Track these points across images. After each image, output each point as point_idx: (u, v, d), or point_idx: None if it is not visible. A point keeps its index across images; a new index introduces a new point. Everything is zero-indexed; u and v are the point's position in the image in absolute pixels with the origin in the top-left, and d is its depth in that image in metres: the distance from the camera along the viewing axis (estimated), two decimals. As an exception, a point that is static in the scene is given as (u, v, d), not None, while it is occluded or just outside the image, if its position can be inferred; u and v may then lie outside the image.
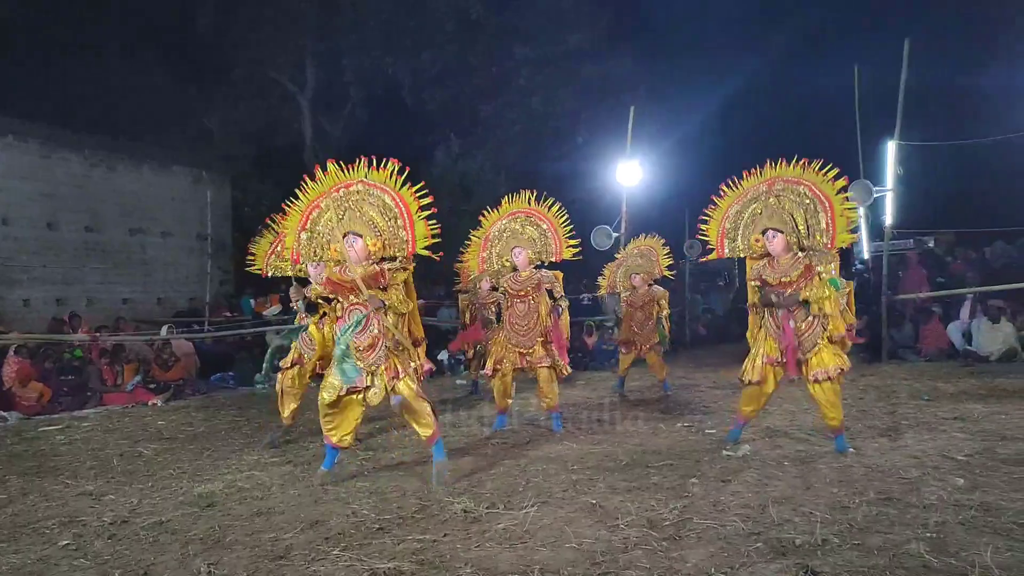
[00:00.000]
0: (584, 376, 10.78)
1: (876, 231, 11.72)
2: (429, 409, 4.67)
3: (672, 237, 9.86)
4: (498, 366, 6.41)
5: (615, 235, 12.73)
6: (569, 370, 6.59)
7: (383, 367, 4.55)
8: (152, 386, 9.78)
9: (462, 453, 5.52)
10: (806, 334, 5.02)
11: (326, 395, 4.58)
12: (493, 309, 8.37)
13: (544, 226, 6.47)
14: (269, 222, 6.20)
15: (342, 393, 4.56)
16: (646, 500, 4.07)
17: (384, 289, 4.59)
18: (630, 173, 13.33)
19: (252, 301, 13.92)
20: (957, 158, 14.40)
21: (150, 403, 9.20)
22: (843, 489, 4.13)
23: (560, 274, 6.56)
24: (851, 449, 5.08)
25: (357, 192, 4.67)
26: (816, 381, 5.00)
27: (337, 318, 4.71)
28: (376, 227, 4.60)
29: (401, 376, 4.58)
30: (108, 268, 13.68)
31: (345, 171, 4.70)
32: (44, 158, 12.68)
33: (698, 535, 3.50)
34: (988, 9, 17.41)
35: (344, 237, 4.57)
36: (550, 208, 6.51)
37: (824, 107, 17.36)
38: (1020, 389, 7.74)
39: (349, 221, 4.61)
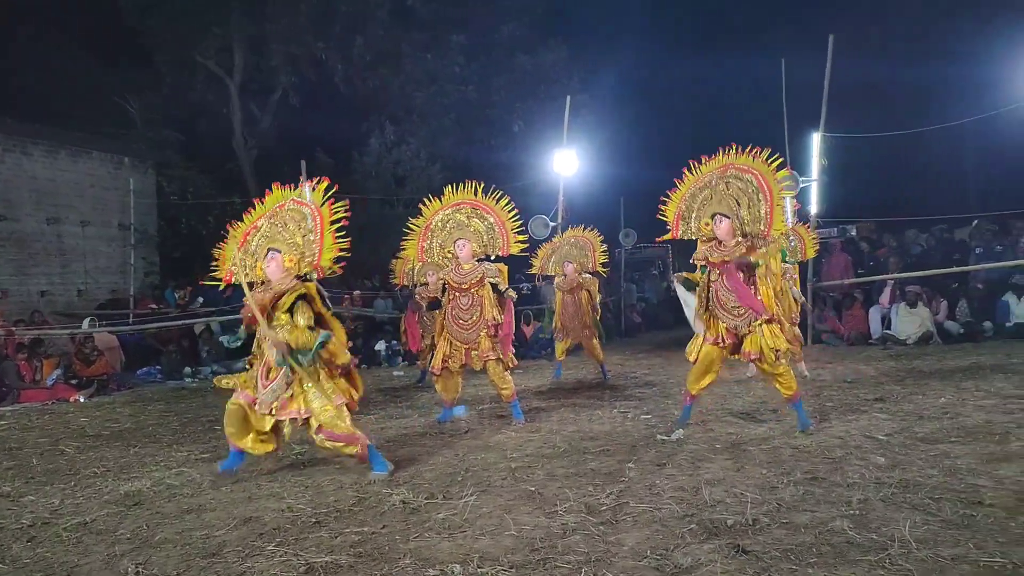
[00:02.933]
0: (521, 365, 10.81)
1: (801, 220, 12.13)
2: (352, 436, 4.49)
3: (607, 226, 10.00)
4: (446, 363, 6.26)
5: (552, 224, 12.80)
6: (515, 362, 6.51)
7: (282, 401, 4.42)
8: (74, 382, 9.39)
9: (400, 444, 5.49)
10: (743, 316, 5.19)
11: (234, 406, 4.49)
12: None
13: (491, 219, 6.33)
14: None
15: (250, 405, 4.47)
16: (584, 486, 4.12)
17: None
18: (567, 162, 13.40)
19: (176, 294, 13.47)
20: (878, 150, 15.00)
21: (72, 399, 8.83)
22: (772, 470, 4.27)
23: (505, 267, 6.43)
24: (811, 425, 5.31)
25: (287, 210, 4.65)
26: (754, 360, 5.22)
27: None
28: (295, 243, 4.55)
29: (303, 416, 4.40)
30: (23, 259, 13.02)
31: (287, 190, 4.73)
32: (-48, 143, 11.98)
33: (634, 518, 3.56)
34: (909, 7, 18.15)
35: (267, 254, 4.54)
36: (497, 201, 6.39)
37: (752, 99, 17.85)
38: (936, 371, 8.14)
39: (272, 238, 4.57)
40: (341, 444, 4.47)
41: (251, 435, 4.56)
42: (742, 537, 3.23)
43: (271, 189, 4.78)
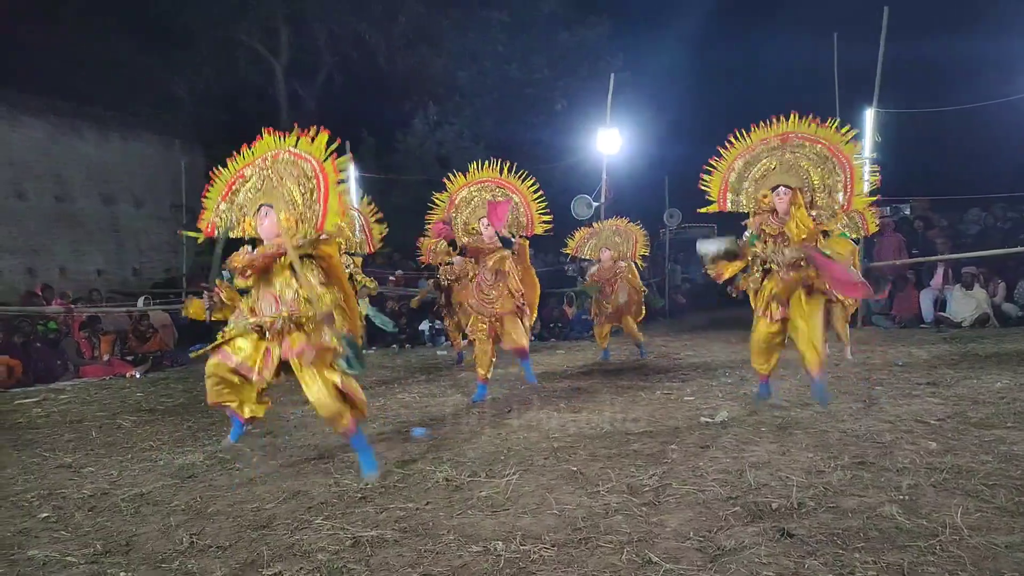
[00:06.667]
0: (564, 345, 10.86)
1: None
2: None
3: (652, 206, 9.89)
4: (476, 332, 6.40)
5: (595, 204, 12.71)
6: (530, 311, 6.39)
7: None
8: (130, 358, 9.70)
9: (443, 423, 5.55)
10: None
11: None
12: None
13: (516, 199, 6.32)
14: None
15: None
16: (626, 467, 4.11)
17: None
18: (610, 141, 13.25)
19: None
20: (934, 126, 14.49)
21: (128, 375, 9.13)
22: (819, 453, 4.20)
23: (526, 242, 6.43)
24: (829, 400, 5.29)
25: (282, 162, 4.16)
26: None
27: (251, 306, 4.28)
28: (292, 201, 4.06)
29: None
30: (79, 238, 13.44)
31: (279, 139, 4.23)
32: (9, 126, 12.35)
33: (677, 500, 3.54)
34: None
35: (259, 209, 4.15)
36: (523, 180, 6.36)
37: (804, 75, 17.31)
38: (992, 354, 7.89)
39: (266, 192, 4.15)
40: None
41: (247, 399, 4.39)
42: (787, 520, 3.19)
43: (262, 134, 4.26)
